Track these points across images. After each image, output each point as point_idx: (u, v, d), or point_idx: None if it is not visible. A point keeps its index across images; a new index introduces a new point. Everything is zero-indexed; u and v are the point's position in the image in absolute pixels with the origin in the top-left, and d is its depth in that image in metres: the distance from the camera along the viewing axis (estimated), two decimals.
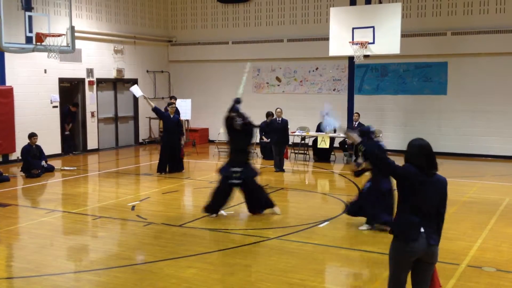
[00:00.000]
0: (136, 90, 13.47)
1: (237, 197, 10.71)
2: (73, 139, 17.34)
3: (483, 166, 15.16)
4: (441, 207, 4.51)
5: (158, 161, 13.51)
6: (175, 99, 13.26)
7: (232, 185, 9.14)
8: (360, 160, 8.51)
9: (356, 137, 5.25)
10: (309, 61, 18.55)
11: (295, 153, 16.39)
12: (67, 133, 16.85)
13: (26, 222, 8.93)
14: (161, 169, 13.35)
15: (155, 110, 13.27)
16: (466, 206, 9.91)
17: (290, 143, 16.80)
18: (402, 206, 4.54)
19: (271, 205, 9.33)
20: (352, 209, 8.52)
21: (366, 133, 8.20)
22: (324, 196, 11.38)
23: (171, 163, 13.41)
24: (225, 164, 9.30)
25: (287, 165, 15.10)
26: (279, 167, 13.88)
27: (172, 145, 13.31)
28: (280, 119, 14.44)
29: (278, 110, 14.64)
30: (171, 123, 13.43)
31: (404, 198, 4.52)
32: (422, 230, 4.41)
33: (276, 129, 14.13)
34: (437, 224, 4.52)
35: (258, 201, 9.29)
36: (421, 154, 4.46)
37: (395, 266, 4.56)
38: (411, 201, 4.46)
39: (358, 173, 8.38)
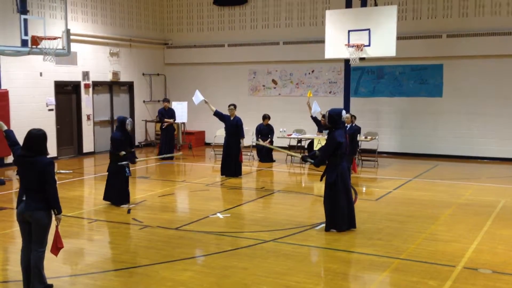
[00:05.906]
0: (197, 96, 13.51)
1: (234, 200, 10.71)
2: None
3: (478, 168, 15.20)
4: (43, 182, 5.84)
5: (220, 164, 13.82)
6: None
7: None
8: None
9: None
10: (305, 63, 18.58)
11: (292, 156, 16.39)
12: None
13: None
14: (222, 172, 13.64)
15: (216, 113, 13.46)
16: (462, 208, 9.91)
17: (286, 145, 16.87)
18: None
19: None
20: None
21: None
22: (320, 198, 11.35)
23: (226, 166, 13.53)
24: None
25: (282, 167, 15.12)
26: None
27: (229, 148, 13.44)
28: (348, 125, 12.78)
29: (347, 115, 12.76)
30: (230, 125, 13.54)
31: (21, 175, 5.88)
32: (24, 198, 5.79)
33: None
34: (38, 194, 5.87)
35: None
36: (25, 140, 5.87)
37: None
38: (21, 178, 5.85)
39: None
